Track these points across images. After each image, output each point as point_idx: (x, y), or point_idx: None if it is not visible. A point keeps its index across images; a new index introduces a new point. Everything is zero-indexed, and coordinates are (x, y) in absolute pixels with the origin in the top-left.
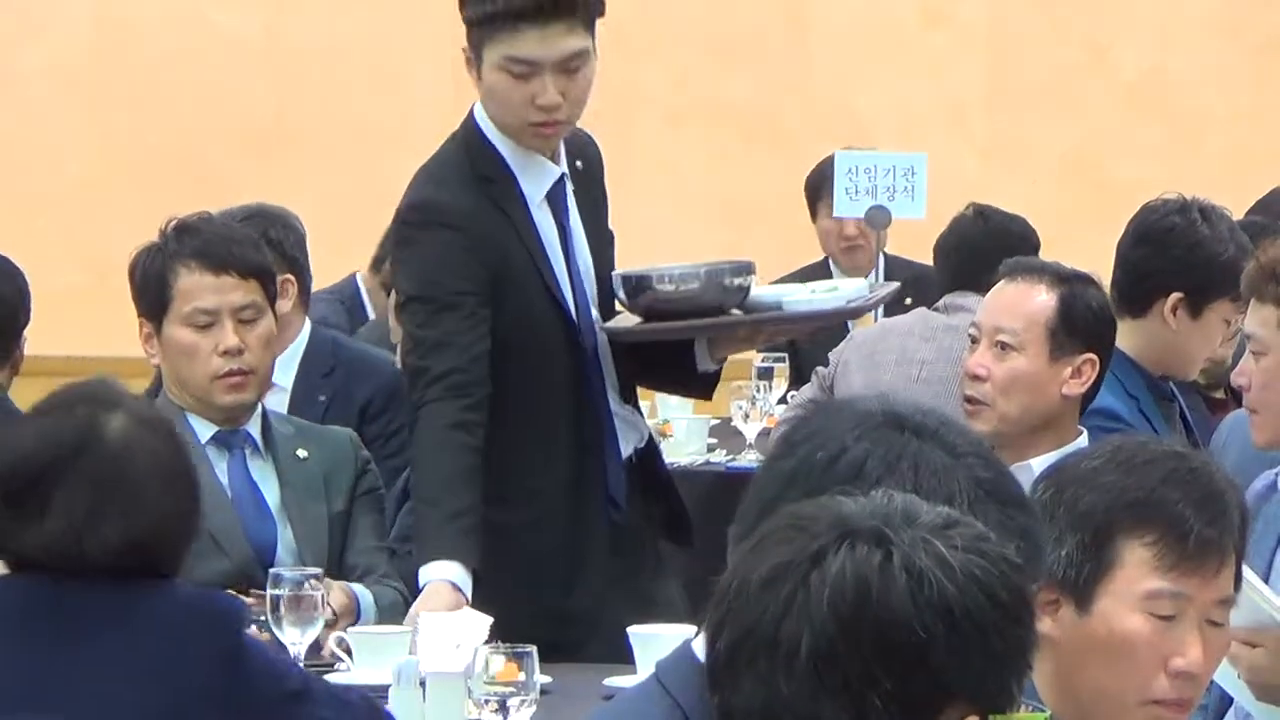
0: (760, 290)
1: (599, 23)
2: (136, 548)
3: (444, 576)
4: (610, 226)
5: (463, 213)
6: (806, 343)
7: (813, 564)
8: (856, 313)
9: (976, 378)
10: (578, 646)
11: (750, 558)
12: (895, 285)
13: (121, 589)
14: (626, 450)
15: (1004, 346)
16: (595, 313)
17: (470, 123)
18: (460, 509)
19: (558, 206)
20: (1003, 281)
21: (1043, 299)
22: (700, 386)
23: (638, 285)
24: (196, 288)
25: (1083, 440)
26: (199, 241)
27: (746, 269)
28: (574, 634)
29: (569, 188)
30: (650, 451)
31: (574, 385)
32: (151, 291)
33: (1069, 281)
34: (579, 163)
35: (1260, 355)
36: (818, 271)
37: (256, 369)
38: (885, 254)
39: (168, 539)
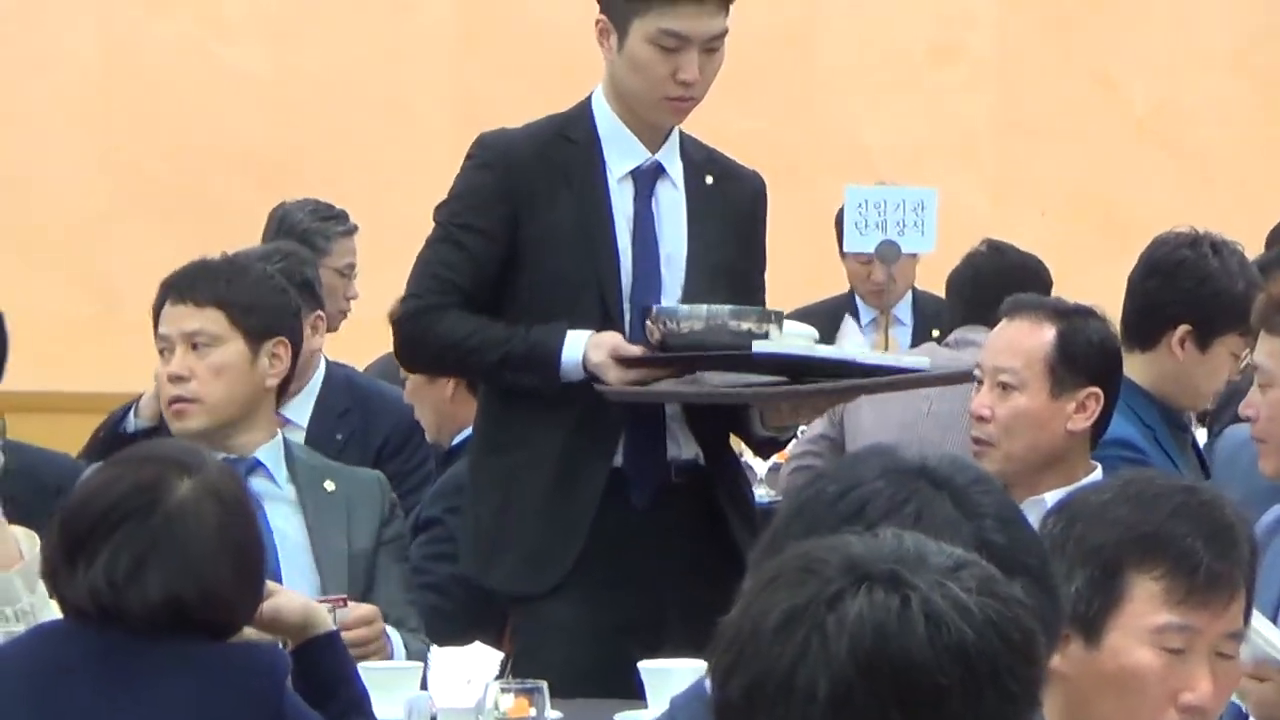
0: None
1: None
2: (177, 605)
3: (579, 339)
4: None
5: (511, 161)
6: None
7: (829, 608)
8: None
9: (981, 419)
10: (548, 609)
11: (760, 599)
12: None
13: (165, 643)
14: (673, 453)
15: (1005, 386)
16: (666, 303)
17: (585, 101)
18: (517, 329)
19: (644, 190)
20: (1003, 321)
21: (1040, 336)
22: (756, 448)
23: (653, 317)
24: (164, 318)
25: (1097, 474)
26: (179, 275)
27: (764, 316)
28: (546, 598)
29: (672, 180)
30: (716, 478)
31: None
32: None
33: (1068, 316)
34: (709, 179)
35: (1268, 388)
36: (843, 305)
37: (202, 397)
38: (915, 289)
39: (214, 604)
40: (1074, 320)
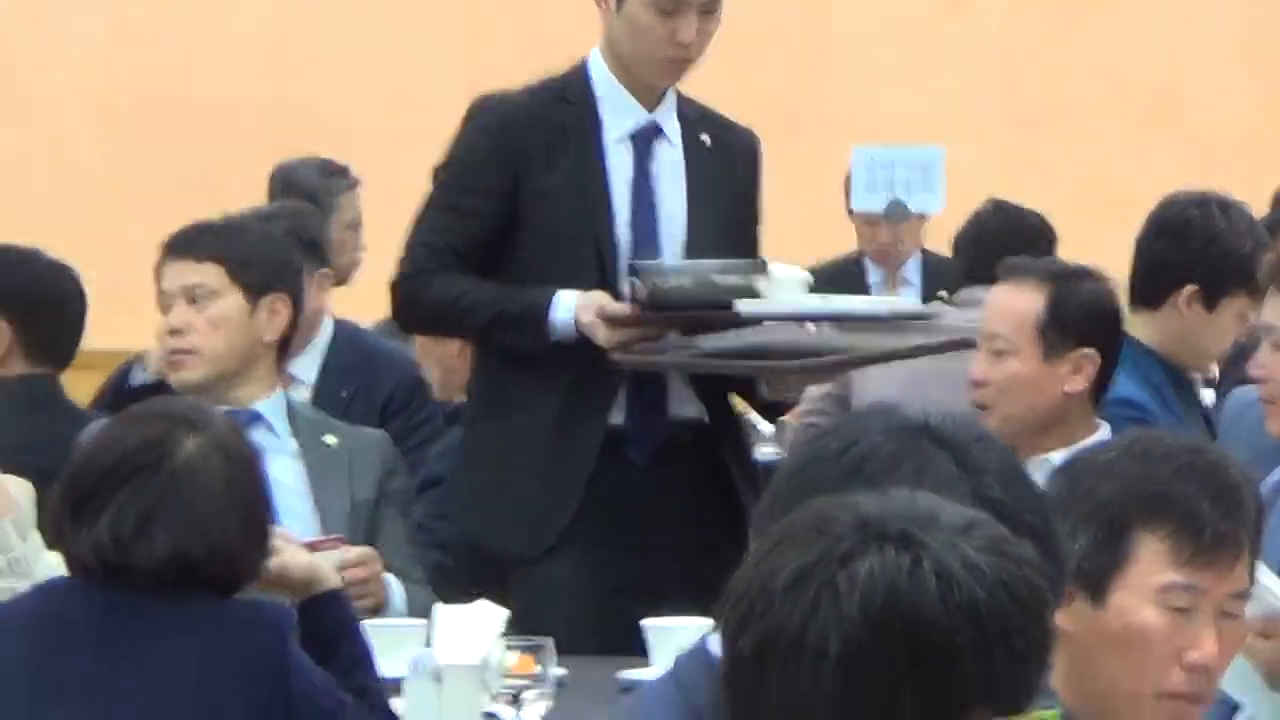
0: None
1: None
2: (184, 563)
3: (568, 299)
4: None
5: (509, 124)
6: None
7: (840, 565)
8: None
9: (976, 383)
10: (547, 569)
11: (771, 558)
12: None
13: (171, 599)
14: (675, 411)
15: (998, 352)
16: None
17: (582, 63)
18: (508, 290)
19: (642, 151)
20: (997, 285)
21: (1031, 300)
22: (761, 410)
23: (639, 273)
24: (164, 274)
25: (1103, 432)
26: (179, 233)
27: (751, 267)
28: (544, 557)
29: (670, 139)
30: (720, 435)
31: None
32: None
33: (1059, 279)
34: (706, 138)
35: None
36: (852, 265)
37: (200, 349)
38: (924, 250)
39: (220, 559)
40: (1065, 283)
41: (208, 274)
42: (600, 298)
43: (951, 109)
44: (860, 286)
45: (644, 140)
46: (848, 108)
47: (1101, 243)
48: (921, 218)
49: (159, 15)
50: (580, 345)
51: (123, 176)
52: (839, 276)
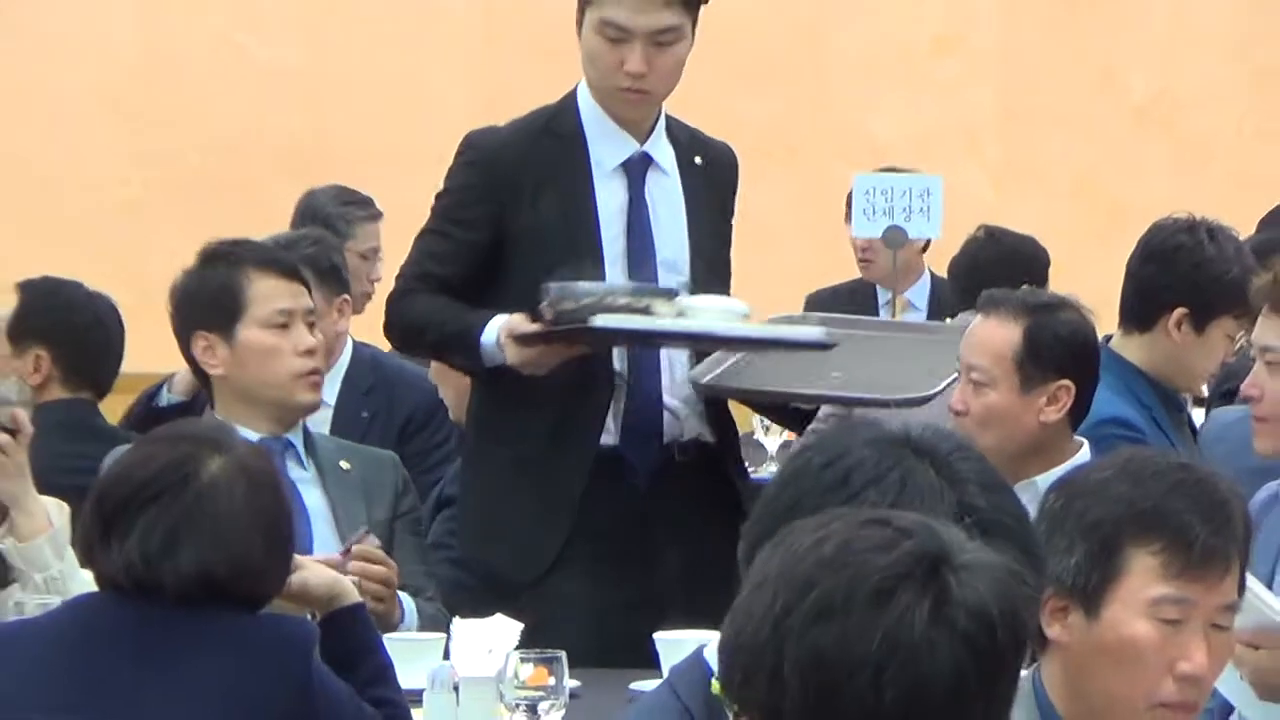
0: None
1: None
2: (209, 579)
3: (495, 323)
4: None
5: (496, 159)
6: None
7: (873, 604)
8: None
9: (958, 413)
10: (552, 588)
11: (790, 586)
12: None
13: (197, 615)
14: (673, 434)
15: (977, 383)
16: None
17: (571, 93)
18: (464, 311)
19: (635, 181)
20: (977, 317)
21: (1007, 334)
22: (791, 422)
23: (549, 295)
24: (273, 292)
25: (1084, 452)
26: (260, 252)
27: (655, 293)
28: (549, 576)
29: (663, 168)
30: (716, 459)
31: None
32: (220, 301)
33: (1035, 312)
34: (699, 160)
35: (1278, 367)
36: (867, 286)
37: (323, 370)
38: (932, 273)
39: (244, 576)
40: (1041, 316)
41: (309, 298)
42: (510, 319)
43: (947, 128)
44: (871, 308)
45: (636, 170)
46: (845, 131)
47: (1097, 254)
48: (919, 242)
49: (187, 43)
50: (565, 371)
51: (148, 202)
52: (853, 296)
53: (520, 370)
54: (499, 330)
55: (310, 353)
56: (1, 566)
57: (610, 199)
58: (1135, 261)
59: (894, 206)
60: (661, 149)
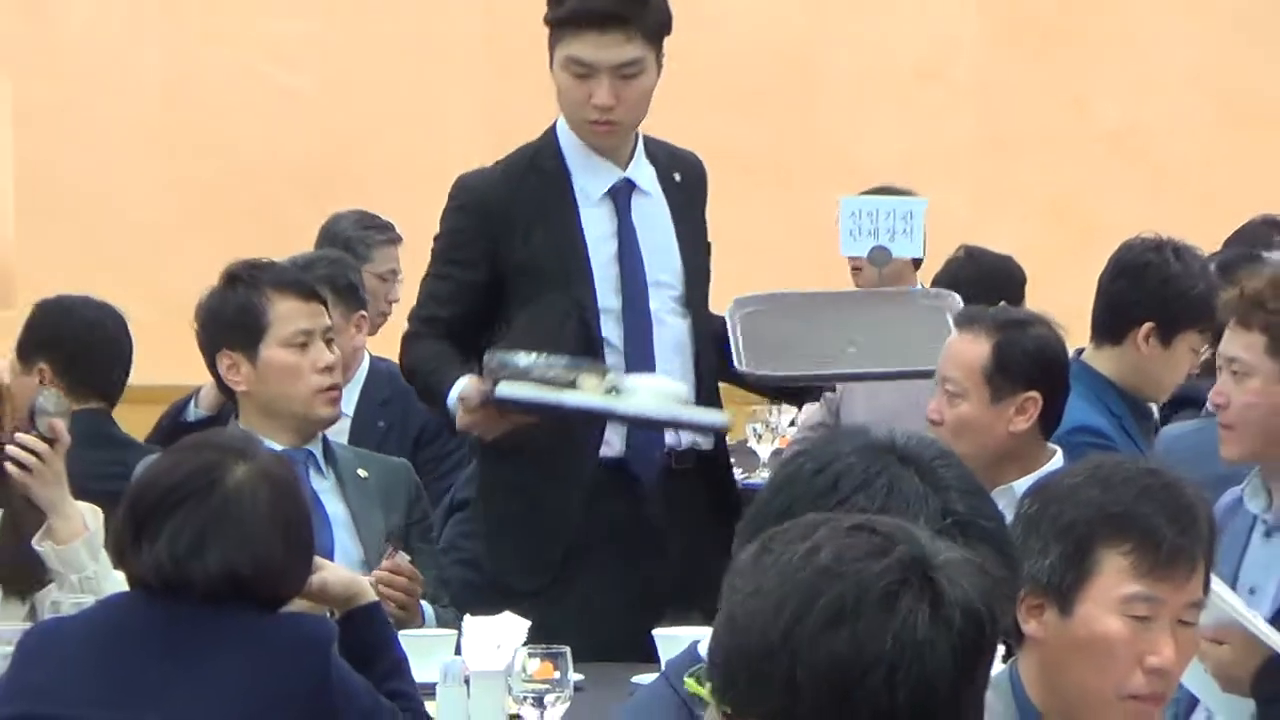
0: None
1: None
2: (234, 579)
3: (458, 385)
4: (709, 239)
5: (485, 201)
6: None
7: (880, 608)
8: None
9: (933, 423)
10: (557, 593)
11: (795, 595)
12: None
13: (222, 613)
14: (671, 442)
15: (951, 395)
16: (656, 306)
17: (551, 127)
18: (449, 364)
19: (621, 208)
20: (956, 331)
21: (978, 349)
22: (795, 400)
23: (490, 365)
24: (293, 313)
25: (1058, 459)
26: (279, 274)
27: (587, 368)
28: (555, 583)
29: (647, 191)
30: (711, 464)
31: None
32: (243, 322)
33: (1004, 328)
34: (678, 175)
35: (1245, 377)
36: None
37: (341, 384)
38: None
39: (268, 576)
40: (1011, 331)
41: (326, 316)
42: (468, 386)
43: (929, 152)
44: None
45: (622, 197)
46: (833, 155)
47: (1071, 272)
48: (909, 262)
49: (212, 74)
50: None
51: (175, 224)
52: None
53: (469, 433)
54: (457, 393)
55: (329, 369)
56: (39, 568)
57: (598, 227)
58: (1106, 278)
59: (879, 227)
60: (643, 172)
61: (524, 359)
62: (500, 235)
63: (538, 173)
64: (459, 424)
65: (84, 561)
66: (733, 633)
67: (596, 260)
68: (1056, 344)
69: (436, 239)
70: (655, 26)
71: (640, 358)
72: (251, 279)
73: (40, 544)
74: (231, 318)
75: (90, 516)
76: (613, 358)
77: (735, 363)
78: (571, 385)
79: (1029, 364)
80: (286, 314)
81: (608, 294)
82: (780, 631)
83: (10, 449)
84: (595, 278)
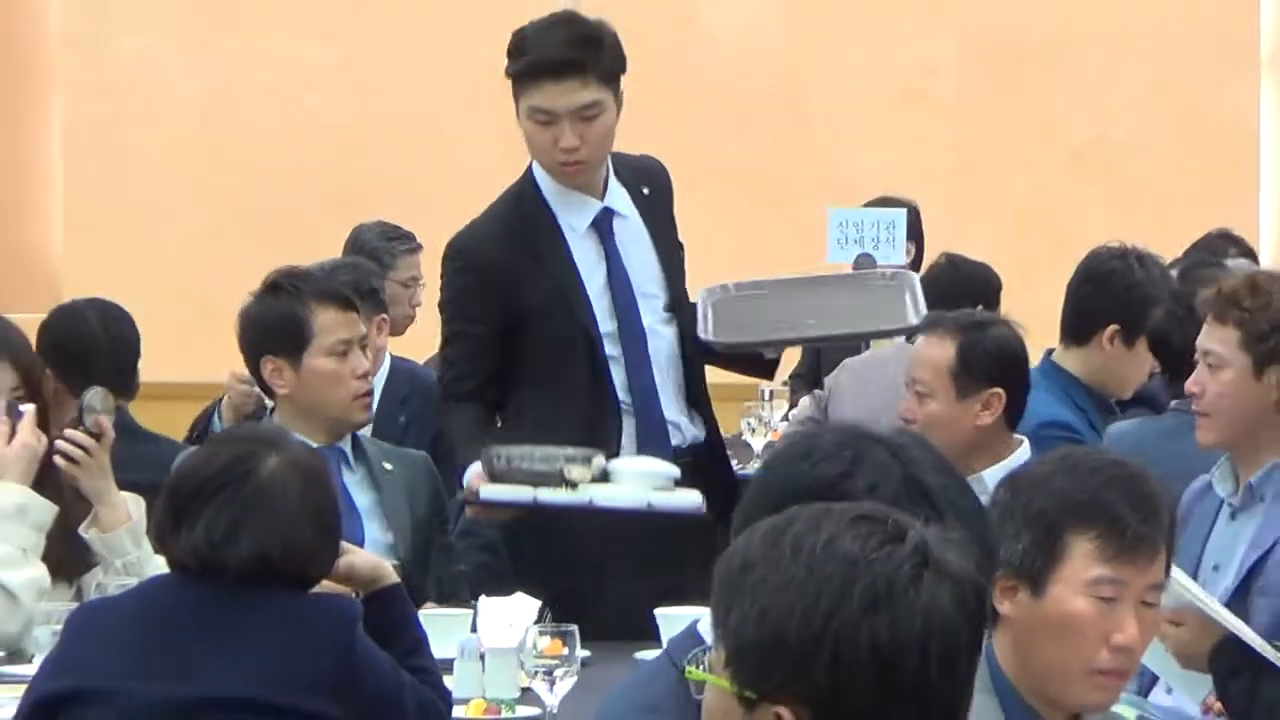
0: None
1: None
2: (267, 562)
3: (471, 469)
4: (680, 239)
5: (485, 259)
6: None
7: (909, 593)
8: None
9: (906, 420)
10: (603, 622)
11: (828, 587)
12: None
13: (255, 593)
14: (677, 441)
15: (921, 394)
16: (648, 320)
17: (528, 169)
18: (475, 436)
19: (604, 234)
20: (922, 335)
21: (943, 350)
22: (765, 372)
23: (488, 456)
24: (334, 324)
25: (1025, 448)
26: (320, 284)
27: (584, 458)
28: (598, 611)
29: (624, 214)
30: (709, 457)
31: (589, 387)
32: (287, 330)
33: (967, 330)
34: (646, 189)
35: (1219, 369)
36: None
37: (373, 390)
38: None
39: (297, 559)
40: (973, 333)
41: (362, 325)
42: (469, 478)
43: (912, 168)
44: None
45: (605, 226)
46: (823, 172)
47: (1042, 279)
48: (907, 264)
49: (247, 96)
50: (577, 404)
51: (214, 234)
52: None
53: (479, 517)
54: (465, 485)
55: (365, 376)
56: (86, 554)
57: (588, 257)
58: (1074, 284)
59: (864, 236)
60: (618, 197)
61: (517, 452)
62: (503, 287)
63: (524, 219)
64: (466, 514)
65: (127, 547)
66: (765, 625)
67: (591, 289)
68: (1016, 343)
69: (443, 304)
70: (609, 68)
71: (637, 369)
72: (294, 289)
73: (87, 531)
74: (276, 326)
75: (133, 506)
76: (618, 374)
77: (701, 333)
78: (560, 475)
79: (991, 362)
80: (328, 325)
81: (605, 318)
82: (821, 620)
83: (60, 444)
84: (593, 306)
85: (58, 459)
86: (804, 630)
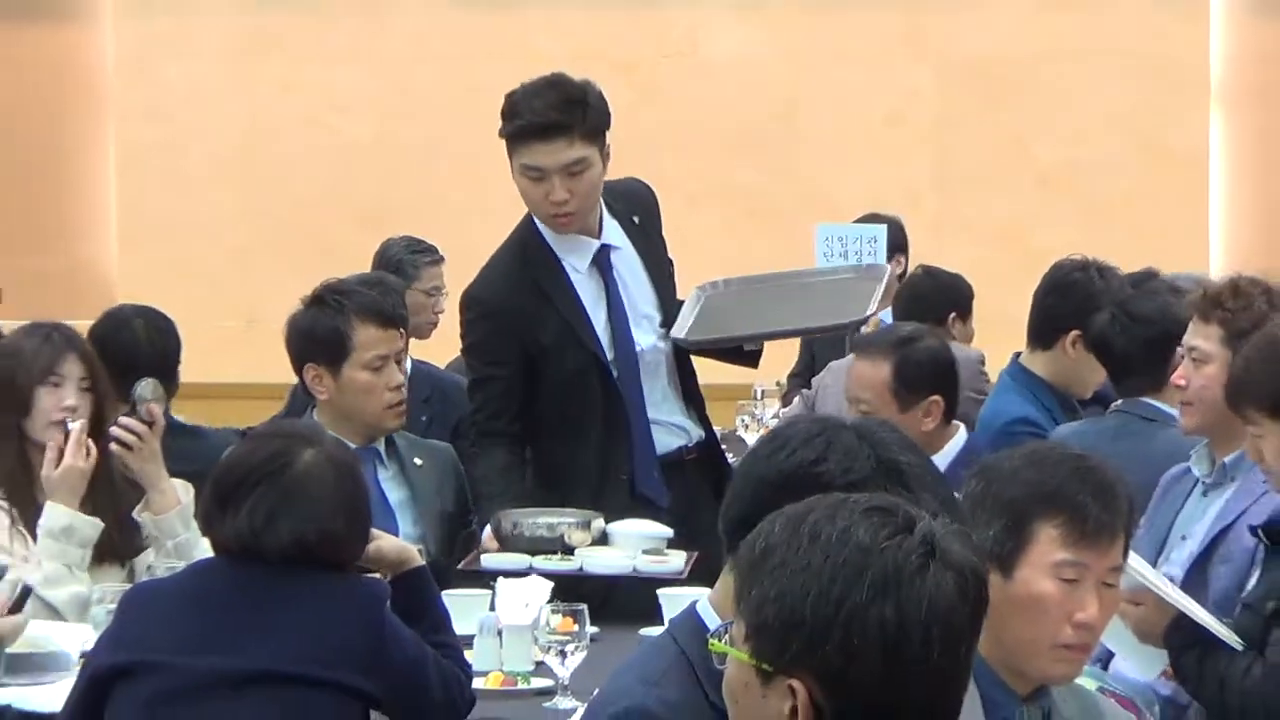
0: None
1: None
2: (304, 546)
3: (485, 535)
4: (670, 256)
5: (499, 305)
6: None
7: (915, 580)
8: None
9: None
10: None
11: (842, 572)
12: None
13: (293, 575)
14: (663, 448)
15: (865, 413)
16: (649, 339)
17: (528, 216)
18: (502, 490)
19: (604, 269)
20: (855, 357)
21: (880, 370)
22: (750, 362)
23: (495, 523)
24: (373, 340)
25: (960, 434)
26: (362, 302)
27: (582, 522)
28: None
29: (619, 247)
30: (707, 453)
31: (604, 409)
32: (330, 343)
33: (899, 347)
34: (636, 217)
35: (1202, 363)
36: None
37: (405, 399)
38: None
39: (331, 544)
40: (904, 349)
41: (401, 340)
42: (485, 538)
43: (894, 187)
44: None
45: (604, 262)
46: (814, 189)
47: (1012, 288)
48: (899, 273)
49: (283, 121)
50: (597, 418)
51: (252, 247)
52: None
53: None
54: (485, 539)
55: (399, 388)
56: (137, 537)
57: (590, 293)
58: (1039, 293)
59: (848, 250)
60: (612, 231)
61: (525, 521)
62: (520, 329)
63: (530, 264)
64: (482, 562)
65: (178, 529)
66: (782, 606)
67: (597, 322)
68: (944, 350)
69: (466, 350)
70: (594, 126)
71: (633, 389)
72: (338, 304)
73: (139, 515)
74: (320, 337)
75: (182, 491)
76: (607, 385)
77: (677, 333)
78: (561, 540)
79: (925, 373)
80: (367, 340)
81: (610, 346)
82: (833, 604)
83: (114, 431)
84: (600, 337)
85: (113, 446)
86: (818, 611)
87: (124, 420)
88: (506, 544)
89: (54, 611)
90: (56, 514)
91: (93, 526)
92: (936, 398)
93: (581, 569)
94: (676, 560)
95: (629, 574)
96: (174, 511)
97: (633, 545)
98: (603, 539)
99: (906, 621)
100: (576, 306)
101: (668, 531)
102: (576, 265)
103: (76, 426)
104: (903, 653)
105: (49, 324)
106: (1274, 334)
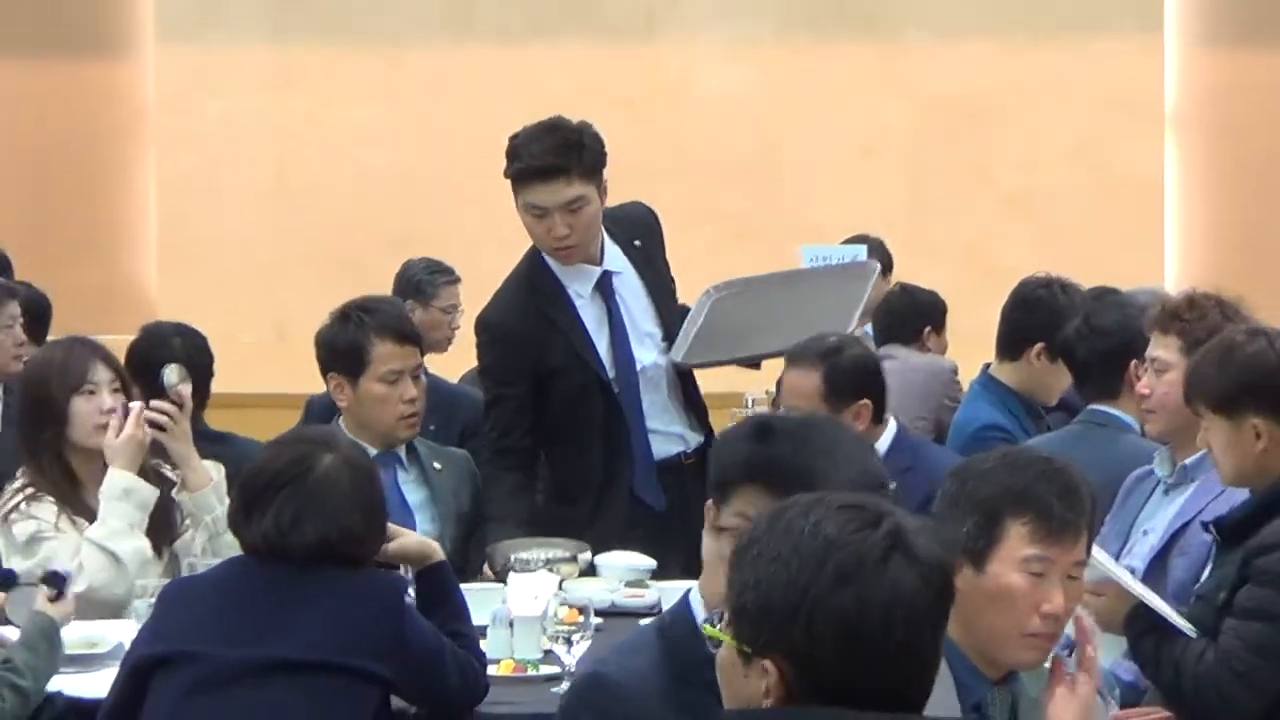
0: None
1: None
2: (327, 546)
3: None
4: (672, 274)
5: (510, 330)
6: None
7: (877, 571)
8: None
9: None
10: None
11: (808, 562)
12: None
13: (317, 571)
14: (662, 454)
15: None
16: (650, 356)
17: (534, 248)
18: (507, 513)
19: (606, 294)
20: (786, 367)
21: (811, 379)
22: (752, 366)
23: (489, 554)
24: (390, 355)
25: (891, 427)
26: (382, 320)
27: (575, 550)
28: None
29: (620, 272)
30: (706, 457)
31: (605, 423)
32: (350, 356)
33: (827, 357)
34: (637, 241)
35: (1163, 372)
36: None
37: (421, 412)
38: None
39: (351, 543)
40: (832, 359)
41: (419, 355)
42: (485, 569)
43: (870, 212)
44: None
45: (606, 286)
46: (796, 214)
47: (980, 304)
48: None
49: (313, 150)
50: (604, 432)
51: (283, 266)
52: None
53: None
54: (486, 570)
55: (412, 401)
56: (173, 523)
57: (593, 317)
58: (1006, 308)
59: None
60: (614, 258)
61: (517, 555)
62: (529, 352)
63: (537, 292)
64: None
65: (214, 504)
66: (758, 593)
67: (600, 345)
68: (869, 357)
69: (481, 372)
70: (590, 166)
71: (633, 404)
72: (360, 321)
73: (178, 494)
74: (341, 349)
75: (214, 469)
76: (609, 402)
77: (675, 355)
78: (551, 571)
79: (853, 379)
80: (384, 355)
81: (610, 367)
82: (799, 591)
83: (148, 413)
84: (602, 358)
85: (149, 428)
86: (787, 599)
87: (156, 404)
88: (500, 576)
89: (117, 561)
90: (118, 477)
91: (150, 491)
92: (865, 401)
93: (564, 602)
94: (653, 594)
95: (610, 609)
96: (208, 488)
97: (617, 577)
98: (590, 570)
99: (866, 609)
100: (580, 331)
101: (651, 564)
102: (580, 292)
103: (136, 406)
104: (862, 639)
105: (69, 338)
106: (1227, 339)
